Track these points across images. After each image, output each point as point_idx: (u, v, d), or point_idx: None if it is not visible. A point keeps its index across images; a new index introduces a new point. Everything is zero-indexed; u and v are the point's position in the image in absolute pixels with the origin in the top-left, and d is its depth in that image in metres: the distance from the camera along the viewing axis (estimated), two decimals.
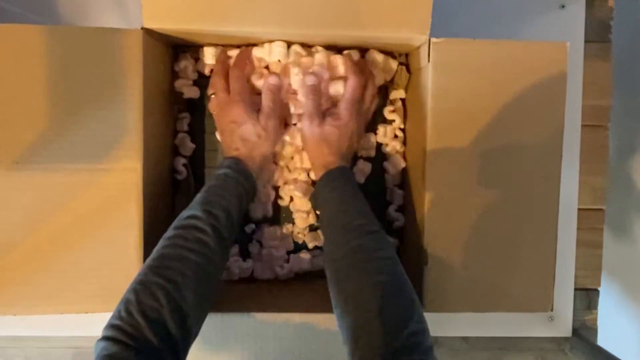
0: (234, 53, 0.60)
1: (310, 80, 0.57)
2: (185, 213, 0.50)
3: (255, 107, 0.56)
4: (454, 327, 0.68)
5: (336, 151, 0.56)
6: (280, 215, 0.65)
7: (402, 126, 0.64)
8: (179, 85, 0.62)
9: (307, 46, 0.60)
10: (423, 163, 0.54)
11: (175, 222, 0.49)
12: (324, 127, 0.56)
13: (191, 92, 0.63)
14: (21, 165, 0.51)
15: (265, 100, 0.56)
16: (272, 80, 0.57)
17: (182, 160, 0.63)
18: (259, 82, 0.59)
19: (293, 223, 0.65)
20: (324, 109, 0.58)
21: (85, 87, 0.51)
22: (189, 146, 0.63)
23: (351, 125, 0.56)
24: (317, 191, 0.56)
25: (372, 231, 0.49)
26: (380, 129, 0.64)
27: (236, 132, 0.55)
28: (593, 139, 0.68)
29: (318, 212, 0.57)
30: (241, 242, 0.64)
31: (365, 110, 0.59)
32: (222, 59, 0.59)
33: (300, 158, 0.63)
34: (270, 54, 0.59)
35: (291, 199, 0.64)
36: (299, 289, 0.61)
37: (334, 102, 0.58)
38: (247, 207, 0.56)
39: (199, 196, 0.52)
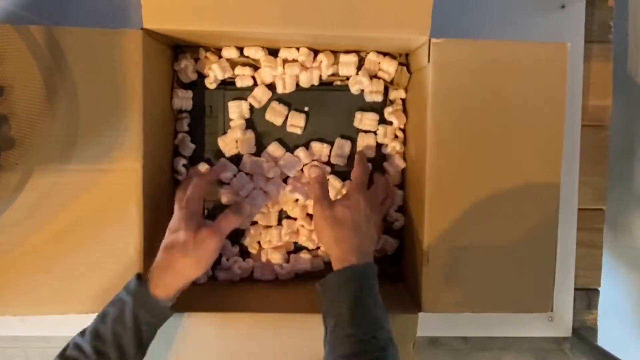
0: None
1: (315, 171, 0.60)
2: (75, 340, 0.46)
3: (202, 219, 0.52)
4: (454, 327, 0.68)
5: (352, 244, 0.51)
6: (280, 216, 0.65)
7: (402, 126, 0.64)
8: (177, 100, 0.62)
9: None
10: (423, 163, 0.54)
11: (63, 350, 0.46)
12: (335, 208, 0.53)
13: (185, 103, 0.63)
14: (21, 167, 0.51)
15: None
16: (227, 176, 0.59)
17: (182, 161, 0.63)
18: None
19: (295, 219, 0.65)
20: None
21: (85, 88, 0.51)
22: (189, 146, 0.63)
23: (362, 206, 0.54)
24: (328, 284, 0.49)
25: (379, 348, 0.45)
26: (380, 129, 0.63)
27: (165, 241, 0.50)
28: (593, 139, 0.68)
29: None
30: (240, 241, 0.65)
31: (378, 202, 0.61)
32: (191, 173, 0.61)
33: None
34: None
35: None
36: (299, 289, 0.61)
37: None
38: (152, 337, 0.49)
39: (91, 325, 0.47)
